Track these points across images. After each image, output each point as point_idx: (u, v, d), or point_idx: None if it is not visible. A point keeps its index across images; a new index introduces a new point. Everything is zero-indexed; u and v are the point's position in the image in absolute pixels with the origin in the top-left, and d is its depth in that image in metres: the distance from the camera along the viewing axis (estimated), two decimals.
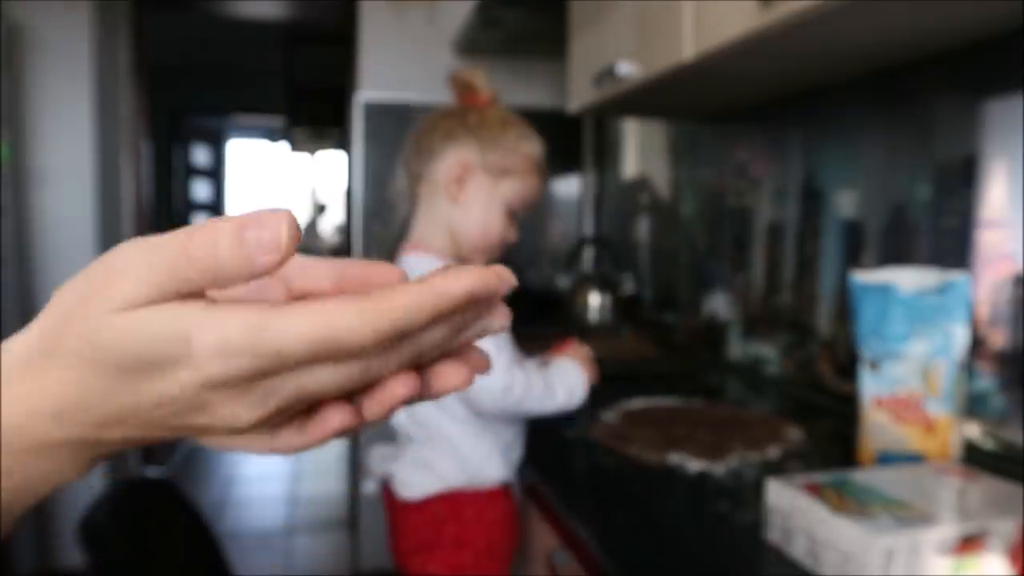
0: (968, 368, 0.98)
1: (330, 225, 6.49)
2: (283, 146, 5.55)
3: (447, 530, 0.91)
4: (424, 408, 0.91)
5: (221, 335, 0.22)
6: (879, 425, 0.93)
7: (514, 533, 0.97)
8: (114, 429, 0.25)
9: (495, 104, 0.98)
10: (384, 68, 2.40)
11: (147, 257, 0.23)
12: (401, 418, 0.94)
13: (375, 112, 2.38)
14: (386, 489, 0.97)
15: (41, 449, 0.25)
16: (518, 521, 0.97)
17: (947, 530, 0.63)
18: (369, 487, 1.01)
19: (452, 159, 0.92)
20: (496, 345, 0.86)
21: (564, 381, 0.94)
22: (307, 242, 5.95)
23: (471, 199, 0.93)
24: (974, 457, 0.95)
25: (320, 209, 6.49)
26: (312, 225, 6.34)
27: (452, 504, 0.91)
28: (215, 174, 6.22)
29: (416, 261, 0.93)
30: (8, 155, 2.07)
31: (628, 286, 2.14)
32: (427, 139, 0.93)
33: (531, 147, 0.96)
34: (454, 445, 0.90)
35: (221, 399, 0.23)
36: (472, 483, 0.91)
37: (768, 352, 1.51)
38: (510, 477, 0.95)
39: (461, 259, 0.96)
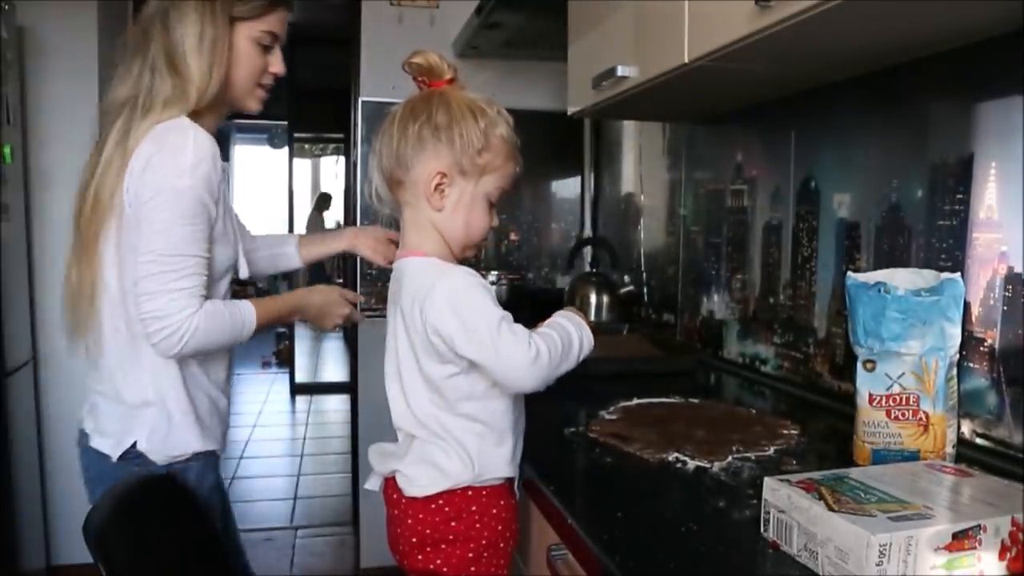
0: (962, 367, 1.00)
1: (334, 219, 6.50)
2: (285, 148, 5.56)
3: (451, 527, 0.91)
4: (427, 407, 0.92)
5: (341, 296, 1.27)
6: (875, 423, 0.94)
7: (516, 528, 0.97)
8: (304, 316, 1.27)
9: (457, 84, 0.95)
10: (385, 70, 2.40)
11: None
12: (403, 416, 0.95)
13: (376, 114, 2.39)
14: (388, 486, 0.98)
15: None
16: (517, 516, 0.98)
17: (941, 527, 0.64)
18: (372, 483, 1.02)
19: (428, 169, 0.91)
20: (511, 329, 0.87)
21: (575, 330, 0.94)
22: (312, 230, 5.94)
23: (453, 204, 0.93)
24: (968, 455, 0.96)
25: (325, 199, 6.48)
26: (317, 216, 6.33)
27: (457, 501, 0.91)
28: None
29: (418, 263, 0.93)
30: (9, 156, 2.08)
31: (628, 286, 2.15)
32: (400, 149, 0.91)
33: (503, 132, 0.93)
34: (460, 443, 0.91)
35: (331, 317, 1.26)
36: (478, 480, 0.91)
37: (765, 351, 1.52)
38: (514, 473, 0.95)
39: (453, 256, 0.96)
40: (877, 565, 0.62)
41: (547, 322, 0.95)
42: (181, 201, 1.00)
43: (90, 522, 0.92)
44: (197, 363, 1.11)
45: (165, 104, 1.04)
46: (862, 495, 0.70)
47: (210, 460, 1.16)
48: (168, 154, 1.00)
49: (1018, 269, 0.94)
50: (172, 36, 1.06)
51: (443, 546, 0.92)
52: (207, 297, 1.05)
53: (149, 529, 1.01)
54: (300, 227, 5.80)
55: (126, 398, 1.10)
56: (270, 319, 1.14)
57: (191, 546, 1.09)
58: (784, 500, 0.71)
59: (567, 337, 0.91)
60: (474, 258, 1.01)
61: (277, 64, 1.17)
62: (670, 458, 0.99)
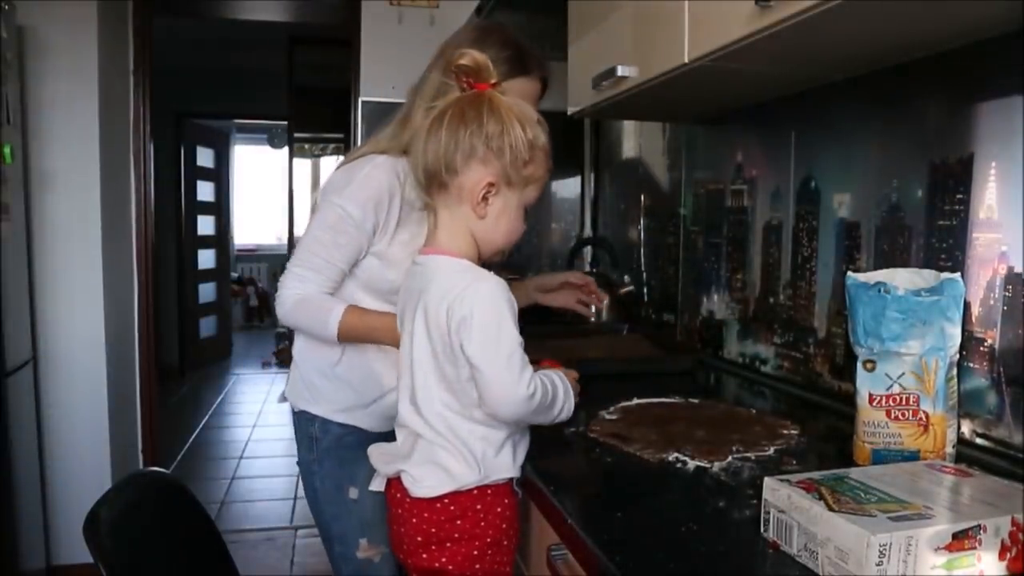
0: (962, 367, 1.00)
1: None
2: (285, 147, 5.56)
3: (456, 525, 0.92)
4: (438, 407, 0.92)
5: None
6: (875, 423, 0.94)
7: (518, 527, 0.98)
8: None
9: (498, 89, 0.94)
10: (385, 70, 2.41)
11: None
12: (409, 414, 0.94)
13: (376, 113, 2.39)
14: (392, 486, 0.97)
15: None
16: (519, 515, 0.98)
17: (941, 527, 0.64)
18: (376, 484, 1.02)
19: (476, 177, 0.91)
20: (524, 359, 0.88)
21: (563, 395, 0.95)
22: None
23: (497, 213, 0.93)
24: (968, 455, 0.96)
25: None
26: None
27: (462, 500, 0.92)
28: (218, 175, 6.24)
29: (451, 263, 0.93)
30: (9, 156, 2.08)
31: (628, 286, 2.15)
32: (448, 154, 0.91)
33: (543, 142, 0.94)
34: (466, 446, 0.91)
35: None
36: (484, 481, 0.92)
37: (765, 351, 1.52)
38: (518, 473, 0.96)
39: (483, 260, 0.97)
40: (877, 565, 0.62)
41: (546, 372, 0.96)
42: (328, 213, 1.16)
43: (90, 522, 0.92)
44: (304, 339, 1.27)
45: (376, 143, 1.22)
46: (862, 495, 0.70)
47: (328, 426, 1.25)
48: (341, 175, 1.19)
49: (1018, 269, 0.94)
50: None
51: (448, 544, 0.92)
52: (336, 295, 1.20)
53: (149, 529, 1.01)
54: (300, 227, 5.79)
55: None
56: (358, 329, 1.15)
57: (191, 546, 1.09)
58: (784, 500, 0.71)
59: (555, 395, 0.93)
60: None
61: None
62: (670, 458, 0.99)
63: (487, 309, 0.87)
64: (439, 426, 0.91)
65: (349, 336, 1.17)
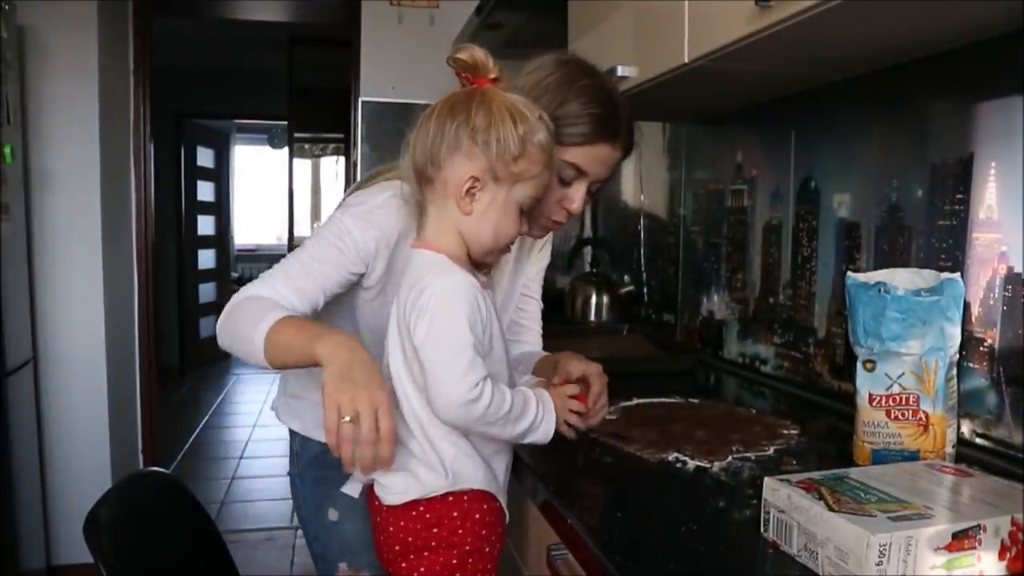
0: (962, 367, 1.00)
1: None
2: (285, 148, 5.56)
3: (433, 533, 0.89)
4: (410, 402, 0.89)
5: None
6: (875, 423, 0.94)
7: (502, 532, 0.95)
8: None
9: (500, 84, 0.91)
10: (385, 70, 2.41)
11: None
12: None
13: (376, 113, 2.39)
14: (370, 492, 0.95)
15: None
16: (503, 520, 0.96)
17: (941, 527, 0.64)
18: (351, 488, 0.97)
19: (460, 171, 0.88)
20: (472, 360, 0.83)
21: (538, 415, 0.89)
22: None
23: (483, 209, 0.89)
24: (968, 455, 0.96)
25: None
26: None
27: (437, 507, 0.89)
28: (218, 175, 6.24)
29: (428, 256, 0.90)
30: (9, 156, 2.08)
31: (628, 286, 2.15)
32: (434, 147, 0.88)
33: (541, 139, 0.89)
34: (436, 448, 0.88)
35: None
36: (454, 487, 0.89)
37: (765, 351, 1.52)
38: (491, 485, 0.92)
39: (473, 260, 0.93)
40: (877, 565, 0.62)
41: (520, 389, 0.91)
42: (329, 226, 1.01)
43: (90, 522, 0.92)
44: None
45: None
46: (862, 495, 0.70)
47: (307, 443, 1.17)
48: (359, 194, 1.04)
49: (1018, 269, 0.94)
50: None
51: (425, 553, 0.90)
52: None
53: (149, 529, 1.01)
54: (300, 227, 5.80)
55: None
56: (280, 345, 0.88)
57: (191, 546, 1.09)
58: (784, 500, 0.71)
59: (521, 412, 0.87)
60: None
61: (573, 200, 1.05)
62: (670, 458, 0.99)
63: (441, 302, 0.84)
64: (412, 423, 0.89)
65: (278, 353, 0.88)
